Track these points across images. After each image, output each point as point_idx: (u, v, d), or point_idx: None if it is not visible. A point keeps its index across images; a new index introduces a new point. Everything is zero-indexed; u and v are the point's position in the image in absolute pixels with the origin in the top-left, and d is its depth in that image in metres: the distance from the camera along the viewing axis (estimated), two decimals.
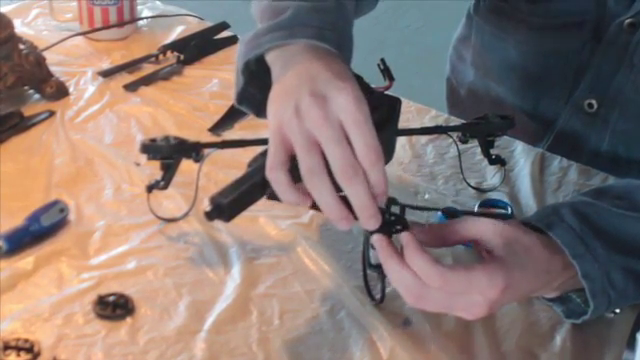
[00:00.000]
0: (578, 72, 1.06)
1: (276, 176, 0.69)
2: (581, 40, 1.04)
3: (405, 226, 0.71)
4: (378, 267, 0.73)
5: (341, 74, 0.71)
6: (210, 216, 0.70)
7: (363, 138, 0.67)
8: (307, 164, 0.68)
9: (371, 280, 0.81)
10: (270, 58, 0.78)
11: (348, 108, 0.67)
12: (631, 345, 0.78)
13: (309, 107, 0.68)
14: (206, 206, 0.70)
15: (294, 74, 0.73)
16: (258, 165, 0.73)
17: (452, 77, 1.26)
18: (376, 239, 0.70)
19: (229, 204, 0.70)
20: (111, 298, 0.80)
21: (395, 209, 0.73)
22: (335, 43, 0.77)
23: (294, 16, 0.79)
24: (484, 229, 0.71)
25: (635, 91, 1.01)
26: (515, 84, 1.13)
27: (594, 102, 1.05)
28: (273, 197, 0.71)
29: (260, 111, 0.82)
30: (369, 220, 0.68)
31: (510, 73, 1.13)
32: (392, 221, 0.71)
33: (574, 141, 1.08)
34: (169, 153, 0.86)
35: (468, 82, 1.22)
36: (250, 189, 0.72)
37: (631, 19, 0.99)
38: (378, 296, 0.81)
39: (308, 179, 0.68)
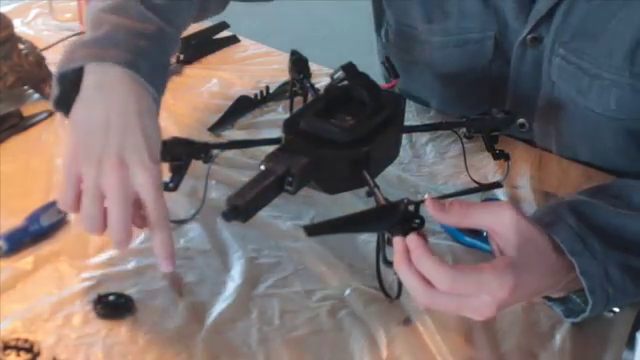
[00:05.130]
0: (497, 94, 1.04)
1: (67, 209, 0.76)
2: (486, 59, 1.03)
3: (422, 223, 0.72)
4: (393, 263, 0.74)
5: (149, 136, 0.76)
6: (227, 217, 0.71)
7: (154, 206, 0.74)
8: (88, 211, 0.74)
9: (370, 277, 0.81)
10: (87, 69, 0.79)
11: (147, 187, 0.74)
12: (631, 345, 0.78)
13: (111, 171, 0.73)
14: (223, 207, 0.71)
15: (105, 111, 0.76)
16: (272, 165, 0.73)
17: None
18: (396, 241, 0.71)
19: (246, 205, 0.71)
20: (111, 298, 0.80)
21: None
22: (148, 74, 0.80)
23: (109, 35, 0.81)
24: (505, 222, 0.71)
25: (563, 107, 0.99)
26: (439, 107, 1.13)
27: (524, 121, 1.05)
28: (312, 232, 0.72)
29: None
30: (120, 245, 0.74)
31: (429, 98, 1.13)
32: (409, 218, 0.72)
33: None
34: (179, 155, 0.86)
35: None
36: (266, 188, 0.73)
37: (532, 34, 0.97)
38: (394, 292, 0.81)
39: (85, 223, 0.75)
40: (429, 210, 0.72)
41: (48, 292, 0.81)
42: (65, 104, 0.81)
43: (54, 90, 0.82)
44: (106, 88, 0.77)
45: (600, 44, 0.92)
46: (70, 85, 0.80)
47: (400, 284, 0.80)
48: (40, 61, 1.11)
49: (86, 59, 0.79)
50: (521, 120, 1.05)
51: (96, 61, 0.79)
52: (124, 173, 0.73)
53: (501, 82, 1.03)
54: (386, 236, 0.74)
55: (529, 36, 0.97)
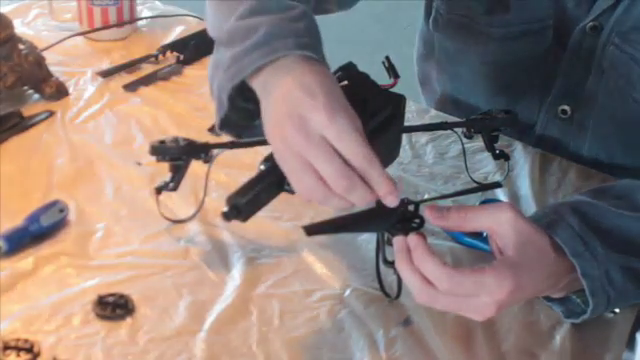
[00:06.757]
0: (547, 79, 1.05)
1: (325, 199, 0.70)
2: (544, 47, 1.03)
3: (422, 222, 0.72)
4: (393, 263, 0.74)
5: (312, 88, 0.70)
6: (227, 217, 0.71)
7: (348, 149, 0.67)
8: (305, 184, 0.69)
9: (370, 277, 0.81)
10: (253, 80, 0.75)
11: (324, 123, 0.67)
12: (631, 345, 0.78)
13: (290, 132, 0.68)
14: (223, 207, 0.70)
15: (277, 98, 0.72)
16: (272, 163, 0.74)
17: (423, 95, 1.26)
18: (397, 241, 0.71)
19: (246, 204, 0.71)
20: (111, 298, 0.80)
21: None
22: (312, 48, 0.75)
23: (269, 32, 0.75)
24: (504, 223, 0.71)
25: (609, 95, 1.01)
26: (484, 95, 1.13)
27: (567, 108, 1.05)
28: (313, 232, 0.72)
29: (241, 134, 0.83)
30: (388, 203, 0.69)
31: (477, 85, 1.13)
32: (409, 218, 0.72)
33: (553, 147, 1.07)
34: (179, 154, 0.86)
35: (436, 100, 1.21)
36: (266, 188, 0.73)
37: (593, 22, 0.98)
38: (394, 292, 0.81)
39: (316, 197, 0.69)
40: (428, 218, 0.72)
41: (48, 292, 0.81)
42: (227, 124, 0.80)
43: (220, 109, 0.80)
44: (276, 82, 0.73)
45: None
46: (231, 105, 0.78)
47: (400, 284, 0.80)
48: (40, 61, 1.11)
49: (256, 61, 0.74)
50: (564, 107, 1.05)
51: (266, 57, 0.73)
52: (302, 124, 0.68)
53: (552, 69, 1.04)
54: (386, 236, 0.74)
55: (590, 24, 0.98)
